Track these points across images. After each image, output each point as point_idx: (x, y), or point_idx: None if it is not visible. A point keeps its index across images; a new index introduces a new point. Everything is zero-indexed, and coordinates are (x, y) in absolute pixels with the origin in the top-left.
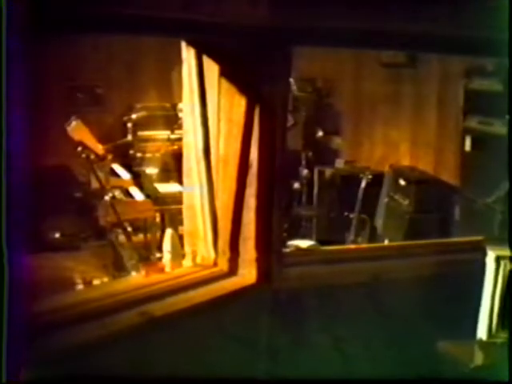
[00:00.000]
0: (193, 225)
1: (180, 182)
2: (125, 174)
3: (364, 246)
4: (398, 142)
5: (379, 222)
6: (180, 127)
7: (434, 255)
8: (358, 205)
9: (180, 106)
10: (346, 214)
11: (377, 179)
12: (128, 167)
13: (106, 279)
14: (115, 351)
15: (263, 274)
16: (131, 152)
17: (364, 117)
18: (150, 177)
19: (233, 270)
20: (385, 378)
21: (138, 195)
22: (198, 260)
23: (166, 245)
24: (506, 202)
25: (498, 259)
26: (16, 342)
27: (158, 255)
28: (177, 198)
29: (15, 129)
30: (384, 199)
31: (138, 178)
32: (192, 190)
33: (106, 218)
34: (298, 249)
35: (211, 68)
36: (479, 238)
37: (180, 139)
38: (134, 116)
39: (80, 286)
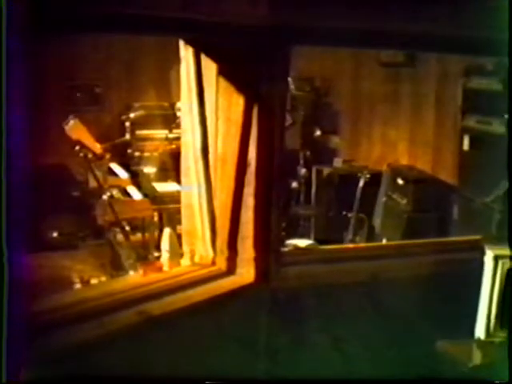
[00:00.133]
0: (191, 224)
1: (178, 181)
2: (123, 173)
3: (362, 245)
4: (396, 142)
5: (377, 222)
6: (178, 126)
7: (432, 254)
8: (356, 204)
9: (178, 105)
10: (344, 213)
11: (375, 178)
12: (126, 166)
13: (103, 278)
14: (113, 350)
15: (261, 273)
16: (129, 151)
17: (362, 116)
18: (147, 176)
19: (231, 269)
20: (384, 378)
21: (136, 194)
22: (196, 259)
23: (164, 244)
24: (504, 202)
25: (496, 258)
26: (16, 342)
27: (155, 254)
28: (175, 197)
29: (15, 129)
30: (382, 198)
31: (136, 177)
32: (190, 189)
33: (104, 217)
34: (297, 248)
35: (209, 67)
36: (477, 237)
37: (178, 138)
38: (132, 115)
39: (78, 285)
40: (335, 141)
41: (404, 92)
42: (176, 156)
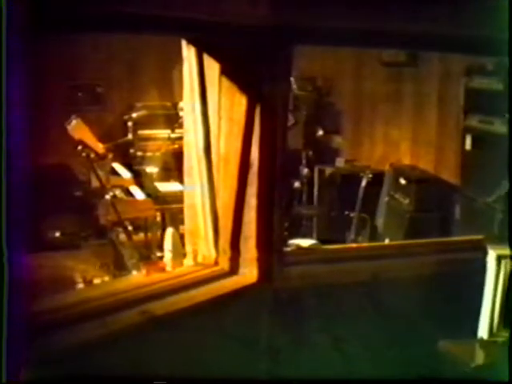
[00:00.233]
0: (194, 224)
1: (180, 180)
2: (125, 173)
3: (365, 245)
4: (398, 141)
5: (380, 221)
6: (180, 126)
7: (435, 254)
8: (358, 204)
9: (180, 104)
10: (346, 213)
11: (377, 178)
12: (128, 166)
13: (106, 278)
14: (116, 350)
15: (264, 273)
16: (131, 151)
17: (364, 116)
18: (150, 176)
19: (234, 269)
20: (385, 378)
21: (139, 194)
22: (199, 259)
23: (167, 244)
24: (506, 201)
25: (498, 258)
26: (16, 342)
27: (158, 254)
28: (177, 197)
29: (15, 128)
30: (384, 198)
31: (139, 177)
32: (193, 188)
33: (107, 217)
34: (299, 248)
35: (212, 67)
36: (480, 237)
37: (180, 138)
38: (134, 115)
39: (80, 285)
40: (337, 141)
41: (406, 92)
42: (178, 156)
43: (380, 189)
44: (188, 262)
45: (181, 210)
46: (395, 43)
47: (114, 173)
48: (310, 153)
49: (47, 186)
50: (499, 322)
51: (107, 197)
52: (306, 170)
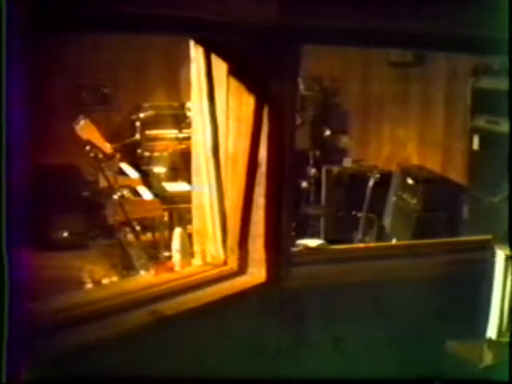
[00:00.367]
0: (202, 223)
1: (188, 180)
2: (133, 173)
3: (372, 245)
4: (405, 141)
5: (387, 221)
6: (188, 126)
7: (443, 254)
8: (365, 204)
9: (188, 104)
10: (353, 213)
11: (384, 178)
12: (136, 166)
13: (114, 278)
14: (125, 350)
15: (272, 272)
16: (139, 151)
17: (371, 116)
18: (157, 176)
19: (242, 268)
20: (385, 378)
21: (146, 194)
22: (208, 259)
23: (175, 243)
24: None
25: (507, 258)
26: (17, 343)
27: (166, 254)
28: (185, 197)
29: (15, 128)
30: (392, 198)
31: (146, 177)
32: (201, 188)
33: (115, 217)
34: (307, 248)
35: (220, 67)
36: (488, 236)
37: (188, 138)
38: (141, 115)
39: (89, 285)
40: (345, 140)
41: (413, 92)
42: (186, 156)
43: (387, 189)
44: (196, 261)
45: (188, 210)
46: (402, 42)
47: (122, 173)
48: (318, 153)
49: (55, 186)
50: (508, 322)
51: (115, 197)
52: (313, 170)
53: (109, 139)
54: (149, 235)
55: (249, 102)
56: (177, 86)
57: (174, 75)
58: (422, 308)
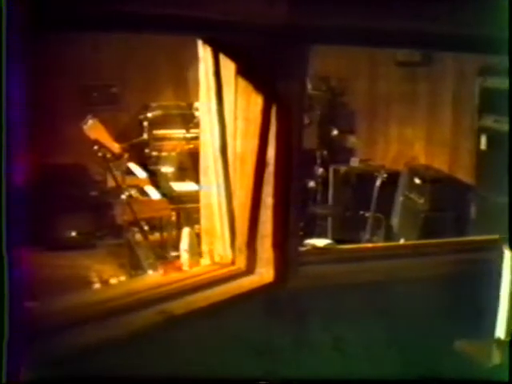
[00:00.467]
0: (210, 223)
1: (196, 180)
2: (141, 173)
3: (380, 244)
4: (413, 141)
5: (395, 221)
6: (195, 126)
7: (450, 254)
8: (373, 203)
9: (196, 104)
10: (361, 212)
11: (392, 178)
12: (144, 166)
13: (122, 278)
14: (133, 350)
15: (280, 272)
16: (147, 151)
17: (379, 115)
18: (165, 175)
19: (250, 268)
20: (385, 378)
21: (154, 194)
22: (216, 258)
23: (184, 243)
24: None
25: None
26: (18, 343)
27: (173, 254)
28: (192, 197)
29: (16, 128)
30: (399, 198)
31: (154, 177)
32: (208, 188)
33: (123, 217)
34: (315, 248)
35: (228, 66)
36: (495, 236)
37: (195, 138)
38: (149, 115)
39: (96, 285)
40: (352, 140)
41: (420, 91)
42: (193, 156)
43: (395, 188)
44: (204, 261)
45: (196, 210)
46: (408, 42)
47: (130, 173)
48: (325, 152)
49: (63, 185)
50: None
51: (123, 196)
52: (320, 170)
53: (117, 139)
54: (157, 235)
55: (257, 101)
56: (185, 85)
57: (182, 75)
58: (429, 308)
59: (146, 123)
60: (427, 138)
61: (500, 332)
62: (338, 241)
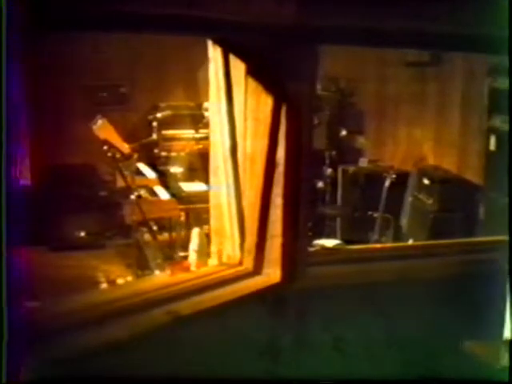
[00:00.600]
0: (219, 223)
1: (205, 180)
2: (150, 173)
3: (388, 245)
4: (421, 141)
5: (403, 222)
6: (205, 126)
7: (459, 254)
8: (382, 204)
9: (205, 104)
10: (370, 213)
11: (401, 178)
12: (153, 166)
13: (130, 278)
14: (140, 350)
15: (288, 272)
16: (156, 151)
17: (388, 116)
18: (174, 176)
19: (258, 268)
20: (385, 378)
21: (163, 194)
22: (224, 259)
23: (193, 243)
24: None
25: None
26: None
27: (181, 254)
28: (201, 197)
29: (15, 128)
30: (408, 198)
31: (163, 177)
32: (219, 188)
33: (132, 217)
34: (324, 248)
35: (238, 67)
36: (504, 237)
37: (204, 138)
38: (159, 115)
39: (104, 285)
40: (361, 141)
41: (429, 92)
42: (203, 156)
43: (403, 189)
44: (212, 261)
45: (205, 210)
46: (417, 43)
47: (139, 173)
48: (334, 153)
49: (73, 185)
50: None
51: (132, 197)
52: (329, 170)
53: (126, 139)
54: (165, 235)
55: (267, 102)
56: (194, 85)
57: (192, 75)
58: (438, 308)
59: (155, 123)
60: (436, 138)
61: (508, 333)
62: (346, 241)
